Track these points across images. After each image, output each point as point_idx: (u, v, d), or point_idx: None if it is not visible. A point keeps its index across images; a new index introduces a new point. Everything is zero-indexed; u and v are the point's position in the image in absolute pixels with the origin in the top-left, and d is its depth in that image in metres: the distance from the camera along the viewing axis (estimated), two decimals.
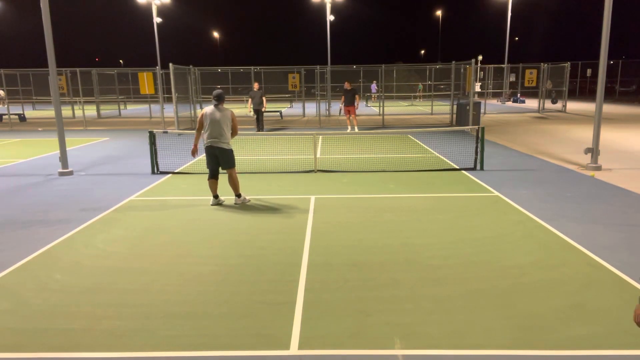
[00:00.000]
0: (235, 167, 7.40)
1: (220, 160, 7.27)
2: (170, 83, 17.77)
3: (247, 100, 17.85)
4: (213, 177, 7.37)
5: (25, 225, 6.56)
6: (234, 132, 7.37)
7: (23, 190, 8.69)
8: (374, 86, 35.26)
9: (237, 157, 7.55)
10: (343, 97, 17.13)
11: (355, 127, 17.27)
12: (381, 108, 23.00)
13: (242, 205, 7.37)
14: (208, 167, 7.36)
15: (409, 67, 38.14)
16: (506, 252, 5.30)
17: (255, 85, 17.36)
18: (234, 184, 7.41)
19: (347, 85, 16.96)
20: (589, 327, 3.69)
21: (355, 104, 16.92)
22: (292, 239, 5.82)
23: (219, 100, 7.21)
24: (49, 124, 21.76)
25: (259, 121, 17.41)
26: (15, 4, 60.25)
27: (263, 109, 17.23)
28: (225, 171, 7.34)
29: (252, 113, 17.22)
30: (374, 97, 35.86)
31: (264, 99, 17.16)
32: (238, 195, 7.48)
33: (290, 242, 5.69)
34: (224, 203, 7.44)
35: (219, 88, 35.76)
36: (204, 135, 7.22)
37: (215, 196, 7.40)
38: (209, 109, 7.23)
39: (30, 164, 11.49)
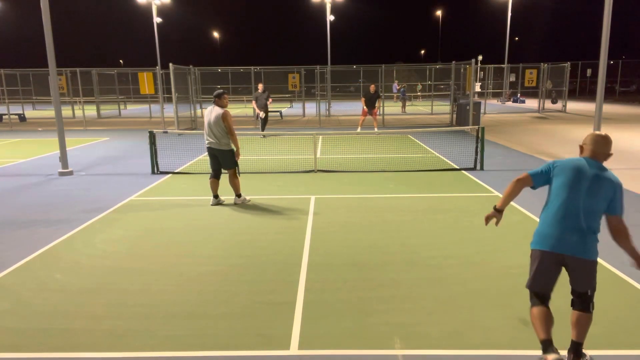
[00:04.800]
0: (236, 168, 7.40)
1: (221, 162, 7.28)
2: (170, 83, 17.77)
3: (252, 101, 16.65)
4: (215, 176, 7.38)
5: (25, 225, 6.56)
6: (230, 134, 7.09)
7: (23, 190, 8.69)
8: (395, 86, 34.82)
9: None
10: (363, 99, 16.54)
11: (375, 128, 16.75)
12: (382, 108, 22.98)
13: (242, 205, 7.38)
14: (211, 167, 7.39)
15: (409, 67, 38.14)
16: (506, 252, 5.30)
17: (260, 87, 16.31)
18: (234, 184, 7.41)
19: (372, 89, 16.49)
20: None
21: (377, 107, 16.59)
22: (292, 239, 5.82)
23: (216, 97, 7.15)
24: (49, 124, 21.76)
25: (264, 123, 16.47)
26: (16, 4, 60.29)
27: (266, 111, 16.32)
28: (226, 171, 7.35)
29: (262, 114, 16.06)
30: (396, 97, 35.45)
31: (270, 99, 16.26)
32: (238, 195, 7.49)
33: (290, 242, 5.69)
34: (224, 203, 7.45)
35: (219, 88, 35.60)
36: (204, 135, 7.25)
37: (216, 196, 7.41)
38: (208, 109, 7.23)
39: (30, 164, 11.49)
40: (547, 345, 3.13)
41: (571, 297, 3.26)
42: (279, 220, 6.64)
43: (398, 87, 30.97)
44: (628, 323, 3.75)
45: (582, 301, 3.19)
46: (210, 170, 7.45)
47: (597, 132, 3.29)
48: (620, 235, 3.20)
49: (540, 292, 3.28)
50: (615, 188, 3.21)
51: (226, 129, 7.07)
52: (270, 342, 3.57)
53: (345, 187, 8.54)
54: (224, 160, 7.26)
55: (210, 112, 7.12)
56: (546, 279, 3.23)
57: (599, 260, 5.05)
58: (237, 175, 7.37)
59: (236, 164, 7.34)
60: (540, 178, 3.30)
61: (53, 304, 4.21)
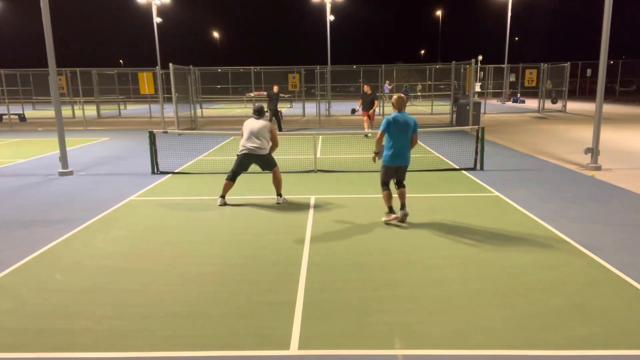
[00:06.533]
0: (278, 166, 7.54)
1: (262, 165, 7.45)
2: (170, 83, 17.77)
3: (266, 94, 17.01)
4: (232, 179, 7.41)
5: (25, 225, 6.56)
6: (274, 145, 7.48)
7: (23, 190, 8.69)
8: (387, 86, 34.69)
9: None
10: (361, 100, 15.68)
11: (367, 129, 16.44)
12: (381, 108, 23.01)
13: (242, 206, 7.37)
14: (233, 170, 7.38)
15: (409, 67, 38.16)
16: (506, 252, 5.30)
17: (275, 88, 16.70)
18: (278, 182, 7.52)
19: (367, 89, 15.53)
20: (589, 327, 3.69)
21: (373, 108, 15.54)
22: (292, 239, 5.82)
23: (260, 114, 7.40)
24: (49, 124, 21.77)
25: (278, 121, 16.99)
26: (16, 4, 60.27)
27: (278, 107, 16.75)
28: (269, 172, 7.53)
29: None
30: (387, 97, 35.25)
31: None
32: (280, 195, 7.56)
33: (290, 242, 5.69)
34: (226, 204, 7.44)
35: (219, 88, 35.81)
36: (242, 142, 7.32)
37: (223, 196, 7.40)
38: (248, 121, 7.39)
39: (30, 164, 11.49)
40: (390, 210, 6.36)
41: (396, 185, 6.37)
42: (279, 220, 6.64)
43: (390, 87, 30.90)
44: (628, 323, 3.75)
45: (402, 184, 6.36)
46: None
47: (398, 95, 6.19)
48: (414, 142, 6.24)
49: (387, 181, 6.33)
50: (414, 121, 6.19)
51: (272, 138, 7.41)
52: (270, 342, 3.57)
53: (345, 187, 8.54)
54: (266, 162, 7.41)
55: (252, 123, 7.32)
56: (391, 176, 6.32)
57: (599, 260, 5.10)
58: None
59: (276, 162, 7.51)
60: (387, 131, 6.12)
61: (53, 304, 4.22)
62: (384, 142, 6.20)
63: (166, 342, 3.59)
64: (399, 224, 6.34)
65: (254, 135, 7.24)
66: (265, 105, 15.72)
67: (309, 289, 4.42)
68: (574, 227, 6.10)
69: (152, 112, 26.81)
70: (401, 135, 6.06)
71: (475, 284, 4.49)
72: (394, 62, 49.19)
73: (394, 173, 6.27)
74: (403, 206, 6.28)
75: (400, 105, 6.13)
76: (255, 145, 7.24)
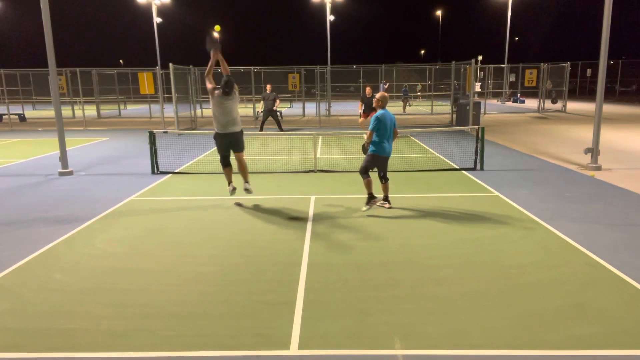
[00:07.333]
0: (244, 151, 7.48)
1: (233, 144, 7.30)
2: (170, 83, 17.78)
3: (260, 101, 17.31)
4: (227, 165, 7.43)
5: (25, 225, 6.56)
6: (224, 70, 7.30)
7: (23, 190, 8.69)
8: (383, 86, 34.60)
9: None
10: (361, 103, 15.17)
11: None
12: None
13: (242, 206, 7.37)
14: (220, 153, 7.40)
15: (409, 67, 38.14)
16: (506, 252, 5.30)
17: (268, 87, 16.93)
18: (243, 168, 7.46)
19: (368, 92, 14.91)
20: (589, 327, 3.69)
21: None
22: (292, 238, 5.82)
23: (230, 88, 7.09)
24: (49, 124, 21.76)
25: (277, 122, 17.17)
26: (16, 3, 60.24)
27: (275, 107, 16.80)
28: (234, 155, 7.40)
29: (260, 111, 16.75)
30: None
31: (277, 101, 16.77)
32: (247, 182, 7.53)
33: (291, 242, 5.69)
34: (235, 189, 7.52)
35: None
36: (215, 123, 7.20)
37: (230, 181, 7.46)
38: (215, 101, 7.09)
39: (30, 164, 11.49)
40: (372, 195, 6.88)
41: (382, 180, 7.06)
42: (279, 220, 6.64)
43: (386, 87, 30.92)
44: (628, 323, 3.75)
45: (386, 178, 7.08)
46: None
47: (382, 94, 6.90)
48: (396, 134, 6.98)
49: (368, 169, 6.91)
50: (394, 118, 6.91)
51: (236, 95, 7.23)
52: (270, 342, 3.57)
53: (345, 187, 8.54)
54: (239, 142, 7.31)
55: (221, 101, 7.06)
56: (374, 165, 6.94)
57: (599, 260, 5.10)
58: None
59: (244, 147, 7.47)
60: (376, 130, 6.73)
61: (53, 304, 4.21)
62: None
63: (166, 342, 3.59)
64: (399, 223, 6.34)
65: (227, 112, 7.10)
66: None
67: (309, 289, 4.42)
68: (574, 227, 6.10)
69: (152, 112, 26.81)
70: (387, 130, 6.82)
71: (475, 284, 4.49)
72: (394, 62, 49.17)
73: (378, 163, 6.96)
74: (387, 198, 7.16)
75: (384, 104, 6.90)
76: (230, 125, 7.14)
